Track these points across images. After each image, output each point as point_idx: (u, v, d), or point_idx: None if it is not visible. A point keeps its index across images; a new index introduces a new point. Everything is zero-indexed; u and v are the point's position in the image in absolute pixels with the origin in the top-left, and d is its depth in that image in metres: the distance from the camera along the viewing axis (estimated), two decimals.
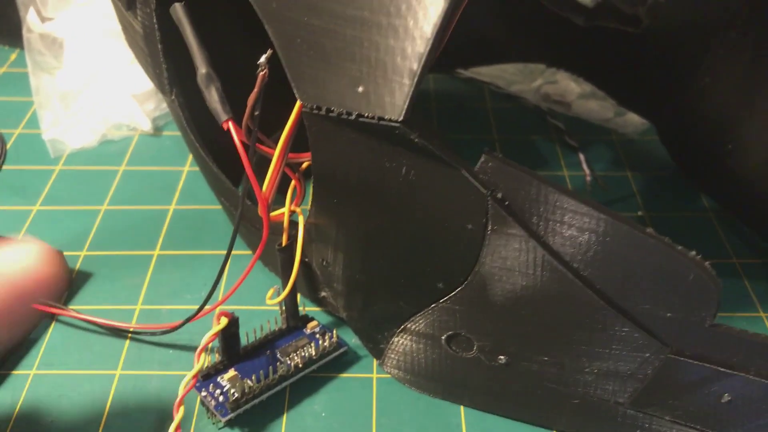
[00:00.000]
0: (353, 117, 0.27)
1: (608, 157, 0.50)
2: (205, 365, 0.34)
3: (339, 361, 0.36)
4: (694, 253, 0.27)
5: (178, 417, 0.30)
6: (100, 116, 0.51)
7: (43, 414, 0.34)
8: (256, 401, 0.33)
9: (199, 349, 0.31)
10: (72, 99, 0.51)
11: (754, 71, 0.41)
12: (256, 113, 0.30)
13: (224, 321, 0.32)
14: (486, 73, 0.56)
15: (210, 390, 0.33)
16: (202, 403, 0.34)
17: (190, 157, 0.49)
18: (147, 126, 0.51)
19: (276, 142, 0.31)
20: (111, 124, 0.51)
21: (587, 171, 0.48)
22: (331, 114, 0.27)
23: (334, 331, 0.36)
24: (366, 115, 0.26)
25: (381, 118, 0.26)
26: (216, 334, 0.32)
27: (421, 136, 0.26)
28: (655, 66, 0.48)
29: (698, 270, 0.27)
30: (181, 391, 0.30)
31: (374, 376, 0.36)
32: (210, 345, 0.36)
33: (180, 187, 0.47)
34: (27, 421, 0.34)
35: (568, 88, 0.54)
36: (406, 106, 0.26)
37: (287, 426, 0.34)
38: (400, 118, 0.26)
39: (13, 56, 0.59)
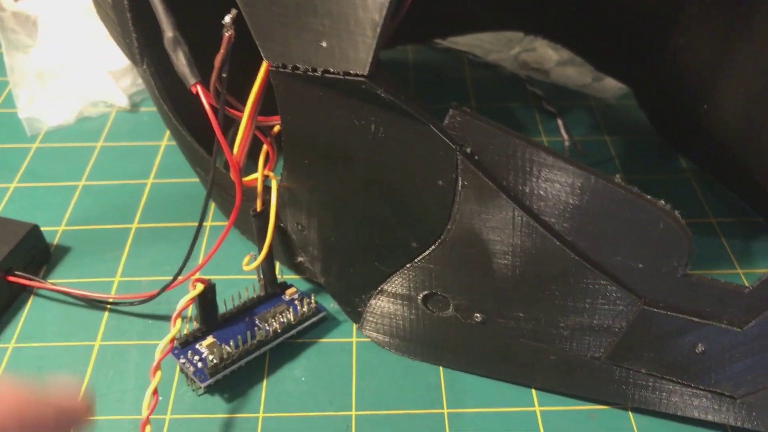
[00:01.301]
0: (319, 73, 0.27)
1: (586, 122, 0.50)
2: (183, 333, 0.34)
3: (318, 327, 0.37)
4: (662, 202, 0.27)
5: (154, 382, 0.30)
6: (77, 94, 0.50)
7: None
8: (234, 367, 0.33)
9: (174, 315, 0.31)
10: (48, 77, 0.51)
11: (728, 30, 0.41)
12: (224, 75, 0.29)
13: (200, 287, 0.32)
14: (464, 42, 0.56)
15: (188, 357, 0.33)
16: (181, 370, 0.34)
17: (168, 132, 0.49)
18: (124, 102, 0.50)
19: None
20: (88, 101, 0.50)
21: (566, 136, 0.48)
22: (297, 71, 0.27)
23: (312, 297, 0.36)
24: (331, 70, 0.26)
25: (346, 73, 0.26)
26: (192, 300, 0.32)
27: (388, 91, 0.26)
28: (631, 30, 0.48)
29: (668, 219, 0.27)
30: (157, 356, 0.30)
31: (354, 340, 0.36)
32: (189, 314, 0.36)
33: (158, 161, 0.46)
34: None
35: (546, 55, 0.54)
36: (370, 60, 0.26)
37: (267, 391, 0.34)
38: (365, 72, 0.26)
39: None
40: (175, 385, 0.34)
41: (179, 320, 0.31)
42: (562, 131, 0.48)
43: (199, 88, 0.30)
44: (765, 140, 0.40)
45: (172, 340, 0.31)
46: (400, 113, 0.27)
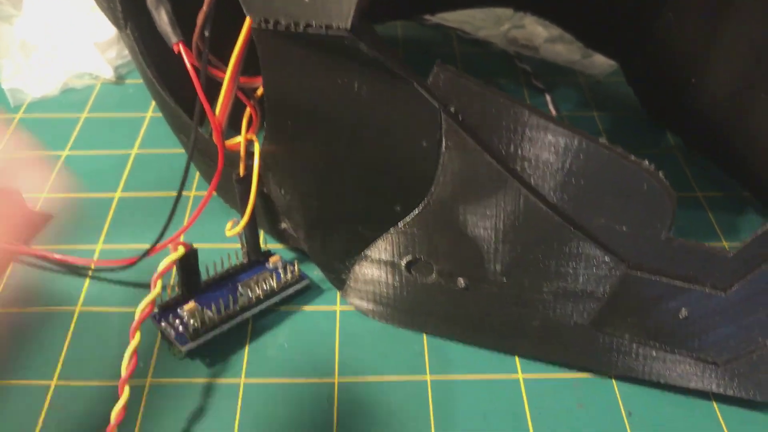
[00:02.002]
0: (301, 28, 0.26)
1: (575, 98, 0.50)
2: (165, 298, 0.34)
3: (302, 295, 0.36)
4: (646, 162, 0.27)
5: (133, 342, 0.29)
6: (62, 65, 0.50)
7: (0, 350, 0.33)
8: (216, 331, 0.33)
9: (155, 275, 0.30)
10: (32, 48, 0.50)
11: (717, 4, 0.41)
12: (206, 33, 0.29)
13: (181, 249, 0.32)
14: (453, 19, 0.56)
15: (169, 321, 0.33)
16: (162, 335, 0.33)
17: (153, 103, 0.48)
18: (109, 74, 0.50)
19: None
20: (73, 72, 0.50)
21: (554, 112, 0.48)
22: (279, 27, 0.27)
23: (296, 264, 0.36)
24: (313, 24, 0.26)
25: (328, 27, 0.26)
26: (173, 262, 0.32)
27: (371, 47, 0.26)
28: (620, 5, 0.47)
29: (652, 180, 0.27)
30: (137, 316, 0.30)
31: (337, 308, 0.36)
32: (171, 281, 0.36)
33: (142, 132, 0.46)
34: None
35: (535, 32, 0.54)
36: (352, 13, 0.25)
37: (249, 357, 0.34)
38: (347, 26, 0.25)
39: None
40: (156, 350, 0.34)
41: (159, 282, 0.31)
42: (551, 107, 0.48)
43: (181, 46, 0.30)
44: (751, 114, 0.40)
45: (152, 302, 0.30)
46: (383, 71, 0.27)
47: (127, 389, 0.29)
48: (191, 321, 0.33)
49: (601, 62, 0.51)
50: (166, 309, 0.33)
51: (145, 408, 0.31)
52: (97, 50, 0.50)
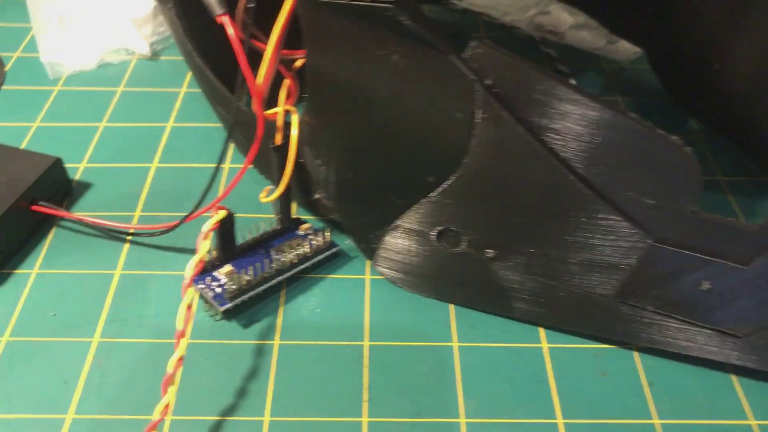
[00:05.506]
0: None
1: (599, 83, 0.51)
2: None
3: (332, 263, 0.38)
4: (675, 137, 0.28)
5: (187, 297, 0.30)
6: (99, 40, 0.51)
7: (45, 308, 0.35)
8: (252, 293, 0.34)
9: (200, 236, 0.32)
10: (70, 23, 0.51)
11: None
12: (251, 5, 0.30)
13: (223, 213, 0.33)
14: (480, 4, 0.57)
15: (207, 283, 0.34)
16: (201, 295, 0.35)
17: (188, 78, 0.49)
18: (145, 50, 0.51)
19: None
20: (109, 48, 0.51)
21: None
22: None
23: (327, 231, 0.37)
24: None
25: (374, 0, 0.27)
26: (217, 223, 0.33)
27: (412, 19, 0.27)
28: None
29: (679, 153, 0.28)
30: (189, 273, 0.30)
31: (367, 277, 0.37)
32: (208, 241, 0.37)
33: (177, 106, 0.47)
34: (29, 314, 0.35)
35: (561, 18, 0.54)
36: None
37: (283, 321, 0.35)
38: None
39: None
40: (193, 312, 0.35)
41: (208, 240, 0.32)
42: None
43: (225, 19, 0.31)
44: None
45: (201, 260, 0.31)
46: (421, 44, 0.28)
47: (184, 342, 0.30)
48: (229, 283, 0.34)
49: (625, 48, 0.52)
50: (203, 272, 0.35)
51: (183, 367, 0.33)
52: (133, 26, 0.51)
